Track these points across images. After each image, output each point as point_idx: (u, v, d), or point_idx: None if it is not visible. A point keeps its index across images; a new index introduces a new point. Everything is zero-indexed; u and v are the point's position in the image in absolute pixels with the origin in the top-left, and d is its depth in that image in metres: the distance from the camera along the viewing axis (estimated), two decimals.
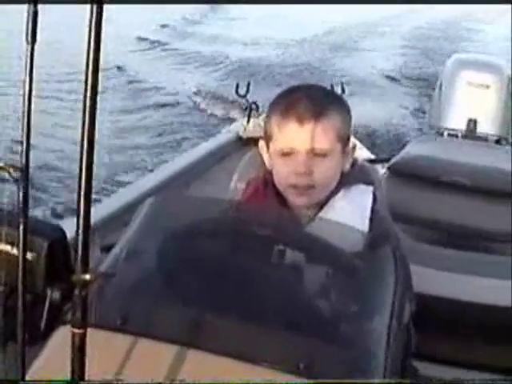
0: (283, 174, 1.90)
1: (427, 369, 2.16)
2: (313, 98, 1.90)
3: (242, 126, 4.92)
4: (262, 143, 2.00)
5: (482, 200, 3.34)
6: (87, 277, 1.03)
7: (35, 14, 1.06)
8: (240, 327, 1.48)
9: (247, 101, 4.59)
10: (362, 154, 4.48)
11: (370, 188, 1.95)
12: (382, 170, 3.45)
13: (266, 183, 1.97)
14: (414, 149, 3.82)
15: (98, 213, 3.33)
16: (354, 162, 2.00)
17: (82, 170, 1.01)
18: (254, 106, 4.67)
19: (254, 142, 4.38)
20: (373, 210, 1.90)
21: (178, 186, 4.10)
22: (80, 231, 1.04)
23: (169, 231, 1.75)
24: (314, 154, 1.87)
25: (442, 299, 2.69)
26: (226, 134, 5.13)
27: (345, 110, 1.96)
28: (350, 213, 1.86)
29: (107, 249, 1.80)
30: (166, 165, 4.74)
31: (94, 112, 1.00)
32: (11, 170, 1.13)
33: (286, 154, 1.89)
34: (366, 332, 1.59)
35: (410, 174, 3.44)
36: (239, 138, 4.90)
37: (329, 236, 1.69)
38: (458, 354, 2.70)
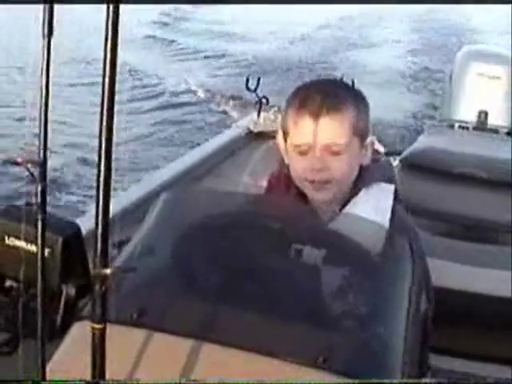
0: (300, 169, 1.89)
1: (444, 362, 2.15)
2: (327, 93, 1.87)
3: (252, 121, 4.91)
4: (279, 137, 1.97)
5: (494, 192, 3.32)
6: (107, 271, 1.02)
7: (51, 7, 1.06)
8: (258, 321, 1.48)
9: (257, 95, 4.57)
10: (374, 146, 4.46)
11: (392, 186, 1.93)
12: (394, 162, 3.44)
13: (288, 178, 1.96)
14: (425, 141, 3.81)
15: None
16: (375, 159, 1.97)
17: (101, 165, 1.01)
18: (264, 101, 4.65)
19: (264, 136, 4.40)
20: (393, 208, 1.88)
21: (189, 180, 4.10)
22: (99, 225, 1.03)
23: (186, 225, 1.74)
24: (329, 149, 1.84)
25: (458, 292, 2.68)
26: (236, 129, 5.11)
27: (361, 102, 1.91)
28: (371, 211, 1.84)
29: (120, 244, 1.79)
30: (178, 160, 4.73)
31: (111, 111, 1.00)
32: (29, 166, 1.12)
33: (301, 150, 1.87)
34: (385, 326, 1.58)
35: (421, 167, 3.43)
36: (250, 133, 4.89)
37: (352, 232, 1.68)
38: (475, 347, 2.69)
